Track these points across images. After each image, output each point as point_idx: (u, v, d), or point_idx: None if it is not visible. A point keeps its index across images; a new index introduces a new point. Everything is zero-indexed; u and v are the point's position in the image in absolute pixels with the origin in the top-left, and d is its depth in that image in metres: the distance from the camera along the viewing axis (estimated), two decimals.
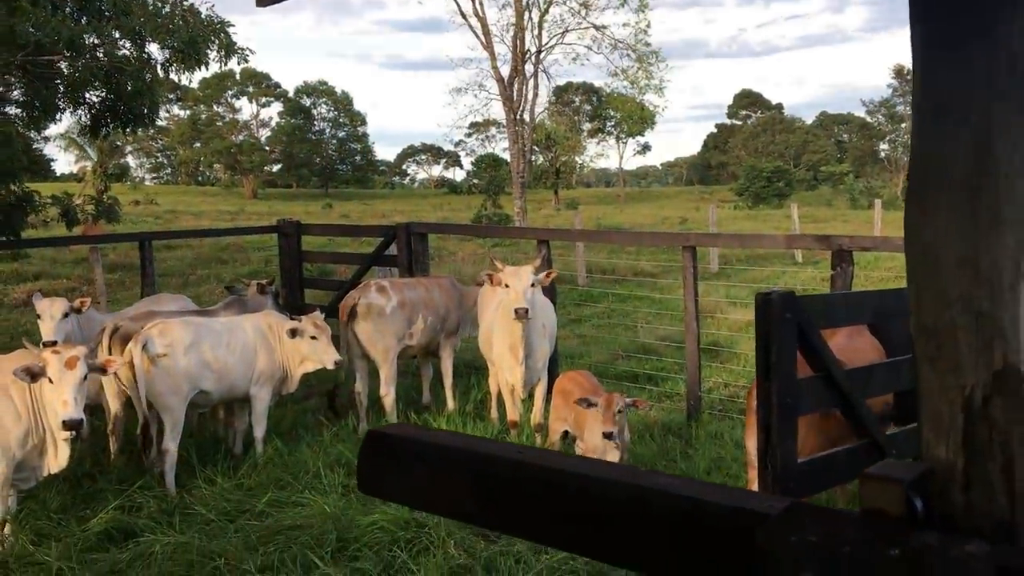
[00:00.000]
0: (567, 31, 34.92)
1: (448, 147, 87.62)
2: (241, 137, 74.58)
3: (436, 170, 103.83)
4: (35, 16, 8.80)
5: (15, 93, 10.45)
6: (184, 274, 18.22)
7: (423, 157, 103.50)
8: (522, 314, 6.72)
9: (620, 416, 5.62)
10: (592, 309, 13.64)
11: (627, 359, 10.18)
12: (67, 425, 5.14)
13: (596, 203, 59.08)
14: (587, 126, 68.89)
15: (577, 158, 63.91)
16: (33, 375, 5.14)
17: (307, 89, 79.12)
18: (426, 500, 1.68)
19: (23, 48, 8.73)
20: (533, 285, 6.89)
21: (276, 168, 79.85)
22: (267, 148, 76.13)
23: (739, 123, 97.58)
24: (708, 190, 75.58)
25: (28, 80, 9.57)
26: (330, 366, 7.09)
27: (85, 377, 5.30)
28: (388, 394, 7.94)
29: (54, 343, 6.57)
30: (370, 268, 10.86)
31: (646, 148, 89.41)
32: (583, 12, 34.36)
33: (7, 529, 5.35)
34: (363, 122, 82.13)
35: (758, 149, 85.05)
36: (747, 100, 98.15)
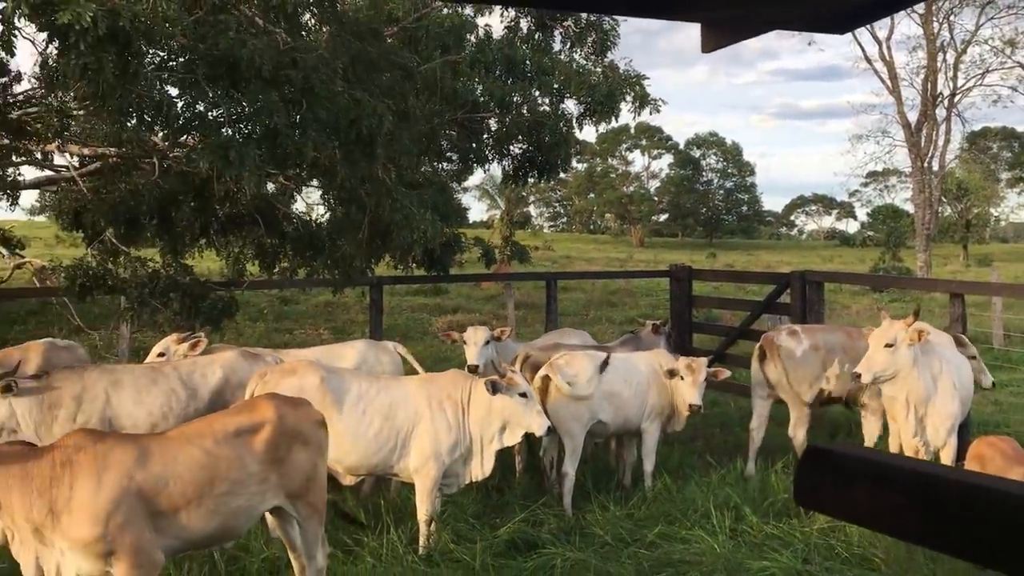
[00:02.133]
0: (987, 72, 31.88)
1: (842, 197, 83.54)
2: (632, 188, 77.59)
3: (827, 221, 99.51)
4: (471, 79, 10.07)
5: (445, 147, 11.99)
6: (578, 314, 19.36)
7: (813, 208, 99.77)
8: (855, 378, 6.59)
9: None
10: (1011, 374, 12.20)
11: None
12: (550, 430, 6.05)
13: (1014, 260, 52.63)
14: (1006, 175, 61.92)
15: (993, 210, 57.67)
16: (494, 387, 5.92)
17: (697, 141, 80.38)
18: (865, 515, 1.71)
19: (462, 107, 10.04)
20: (888, 345, 6.42)
21: (663, 218, 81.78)
22: (655, 198, 78.32)
23: None
24: None
25: (463, 135, 10.96)
26: (690, 403, 7.19)
27: None
28: (796, 436, 7.81)
29: (476, 367, 7.41)
30: (760, 315, 10.75)
31: None
32: (1008, 51, 31.18)
33: (432, 527, 6.07)
34: (751, 172, 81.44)
35: None
36: None
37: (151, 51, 6.36)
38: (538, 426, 5.95)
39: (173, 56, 6.86)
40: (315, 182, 9.49)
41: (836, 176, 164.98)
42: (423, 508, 6.01)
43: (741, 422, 9.40)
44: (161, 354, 7.16)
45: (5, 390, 5.58)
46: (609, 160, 79.38)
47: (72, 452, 4.17)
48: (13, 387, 5.61)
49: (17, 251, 11.34)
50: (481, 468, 6.12)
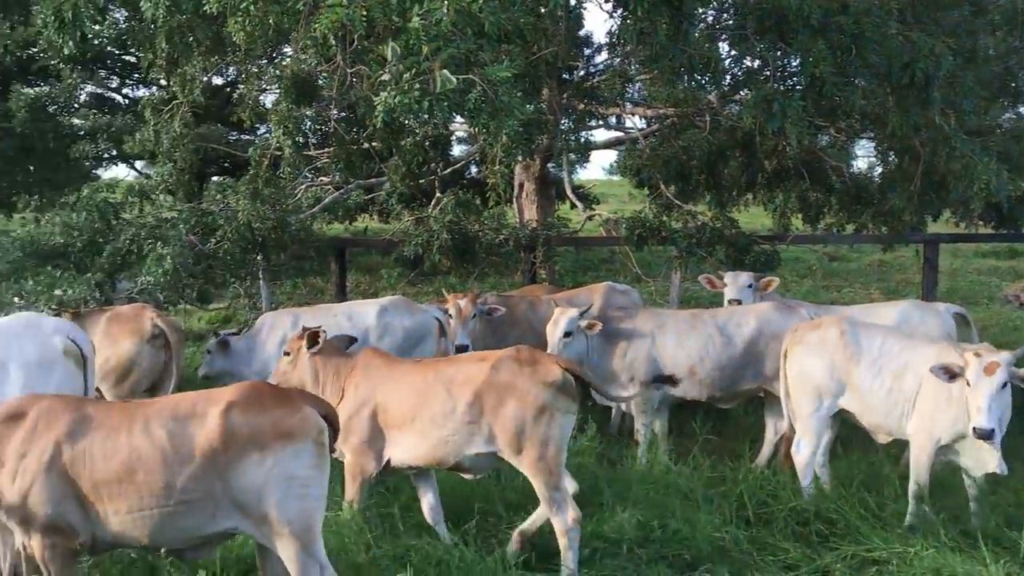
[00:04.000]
0: None
1: None
2: None
3: None
4: None
5: None
6: None
7: None
8: None
9: None
10: None
11: None
12: (976, 433, 4.95)
13: None
14: None
15: None
16: (951, 375, 5.07)
17: None
18: None
19: None
20: None
21: None
22: None
23: None
24: None
25: None
26: None
27: (1004, 385, 4.95)
28: None
29: None
30: None
31: None
32: None
33: (920, 505, 5.45)
34: None
35: None
36: None
37: (703, 11, 6.66)
38: (975, 422, 4.93)
39: (725, 13, 7.09)
40: (868, 133, 9.08)
41: None
42: (912, 480, 5.50)
43: None
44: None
45: (590, 327, 6.40)
46: None
47: (348, 367, 5.22)
48: (596, 326, 6.43)
49: (591, 206, 12.80)
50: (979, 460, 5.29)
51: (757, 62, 7.10)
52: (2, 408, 4.08)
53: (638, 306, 7.65)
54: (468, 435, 4.84)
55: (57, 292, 6.75)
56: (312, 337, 5.26)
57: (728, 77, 7.19)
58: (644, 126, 10.78)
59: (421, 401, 4.93)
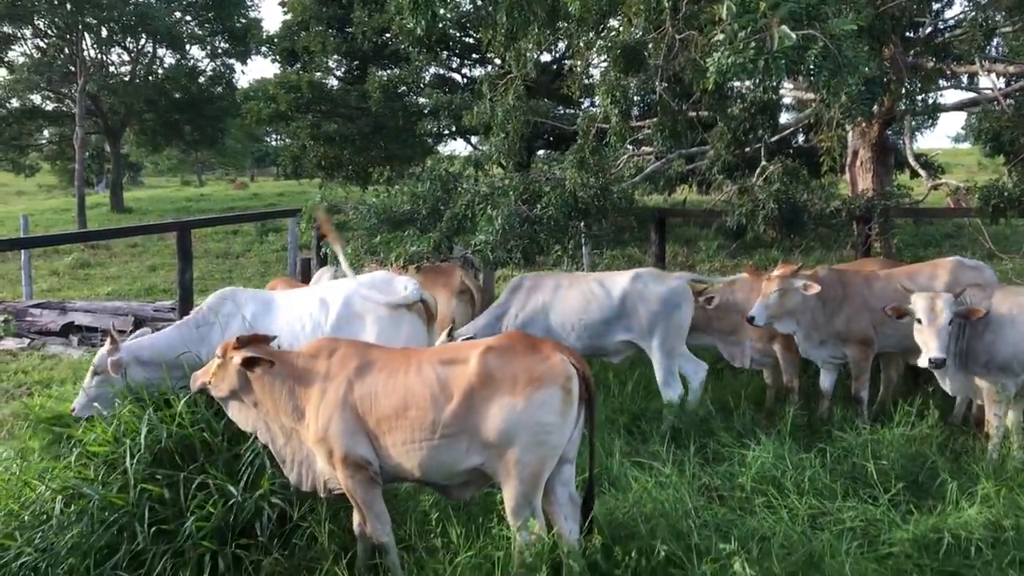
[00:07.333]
0: None
1: None
2: None
3: None
4: None
5: None
6: None
7: None
8: None
9: None
10: None
11: None
12: None
13: None
14: None
15: None
16: None
17: None
18: None
19: None
20: None
21: None
22: None
23: None
24: None
25: None
26: None
27: None
28: None
29: None
30: None
31: None
32: None
33: None
34: None
35: None
36: None
37: None
38: None
39: None
40: None
41: None
42: None
43: None
44: None
45: (970, 314, 5.82)
46: None
47: None
48: (976, 313, 5.78)
49: (937, 174, 11.66)
50: None
51: None
52: (303, 351, 4.59)
53: (993, 284, 6.84)
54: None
55: (400, 249, 7.39)
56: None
57: None
58: (1003, 85, 9.59)
59: None
